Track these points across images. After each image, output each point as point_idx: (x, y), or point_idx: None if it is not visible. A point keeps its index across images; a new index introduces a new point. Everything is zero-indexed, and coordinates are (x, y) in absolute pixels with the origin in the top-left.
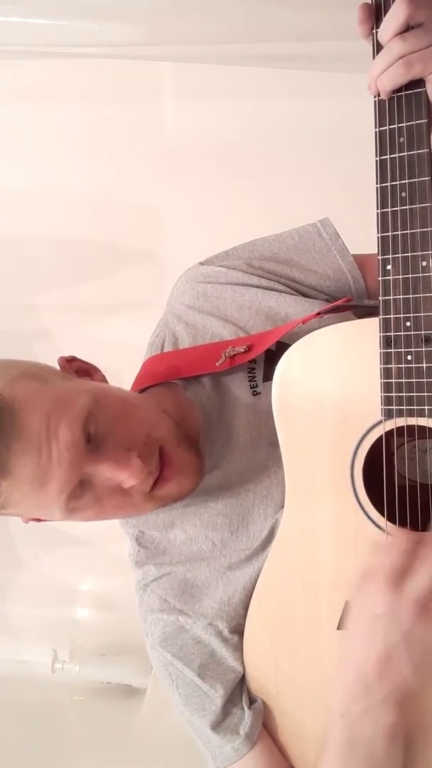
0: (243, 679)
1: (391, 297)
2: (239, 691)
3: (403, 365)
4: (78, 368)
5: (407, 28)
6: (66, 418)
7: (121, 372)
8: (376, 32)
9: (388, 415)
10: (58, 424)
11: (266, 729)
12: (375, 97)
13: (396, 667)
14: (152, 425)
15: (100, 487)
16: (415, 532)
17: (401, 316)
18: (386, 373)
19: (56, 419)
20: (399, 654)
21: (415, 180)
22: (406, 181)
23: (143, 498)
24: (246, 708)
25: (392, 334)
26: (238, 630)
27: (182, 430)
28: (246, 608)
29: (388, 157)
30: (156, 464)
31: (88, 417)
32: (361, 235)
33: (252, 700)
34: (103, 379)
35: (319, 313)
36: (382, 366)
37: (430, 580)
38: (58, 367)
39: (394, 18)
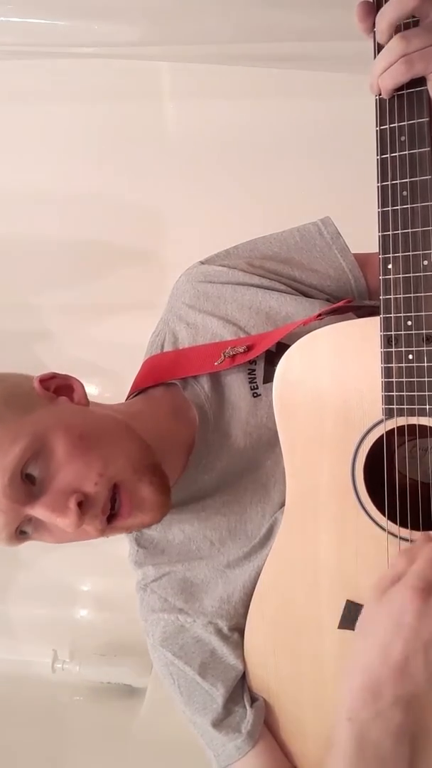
0: (244, 677)
1: (392, 296)
2: (240, 690)
3: (404, 364)
4: (57, 386)
5: (404, 27)
6: None
7: (122, 372)
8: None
9: (389, 414)
10: None
11: (267, 727)
12: (376, 96)
13: (411, 675)
14: (108, 462)
15: (50, 524)
16: None
17: (402, 315)
18: (387, 373)
19: None
20: (417, 663)
21: (417, 179)
22: (407, 180)
23: (99, 533)
24: (248, 706)
25: (393, 333)
26: (238, 628)
27: (148, 462)
28: (246, 607)
29: (389, 155)
30: (104, 504)
31: (28, 461)
32: (362, 234)
33: (253, 699)
34: (82, 397)
35: (319, 315)
36: (382, 365)
37: None
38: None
39: (385, 15)
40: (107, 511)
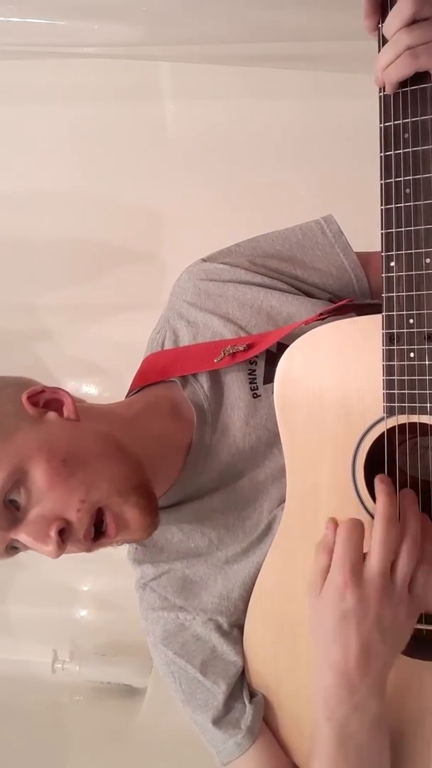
0: (243, 673)
1: (394, 294)
2: (240, 686)
3: (405, 362)
4: (46, 401)
5: (413, 23)
6: None
7: (122, 372)
8: (382, 26)
9: (390, 412)
10: None
11: (266, 723)
12: (380, 91)
13: (376, 655)
14: (91, 487)
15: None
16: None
17: (404, 313)
18: (388, 371)
19: None
20: (376, 642)
21: (420, 176)
22: (411, 177)
23: (87, 550)
24: (247, 702)
25: (395, 331)
26: (238, 624)
27: (135, 483)
28: (245, 603)
29: (392, 153)
30: (87, 530)
31: (11, 489)
32: (363, 233)
33: (252, 694)
34: (72, 412)
35: (321, 314)
36: (384, 363)
37: (385, 561)
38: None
39: (399, 12)
40: (90, 536)
